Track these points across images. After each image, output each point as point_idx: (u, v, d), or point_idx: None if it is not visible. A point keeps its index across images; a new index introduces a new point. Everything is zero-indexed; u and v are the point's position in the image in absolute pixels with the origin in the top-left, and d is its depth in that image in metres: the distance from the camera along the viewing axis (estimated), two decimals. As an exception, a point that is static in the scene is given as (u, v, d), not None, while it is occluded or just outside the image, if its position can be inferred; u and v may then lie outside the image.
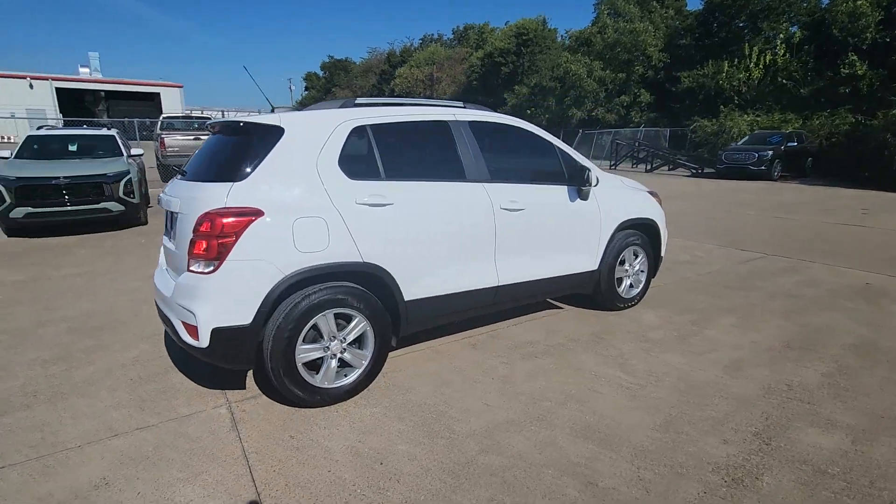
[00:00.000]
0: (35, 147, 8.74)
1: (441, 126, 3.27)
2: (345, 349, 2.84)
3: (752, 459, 2.34)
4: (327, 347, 2.77)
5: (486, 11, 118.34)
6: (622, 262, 4.26)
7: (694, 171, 19.10)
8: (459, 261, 3.22)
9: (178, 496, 2.14)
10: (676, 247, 6.76)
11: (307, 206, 2.64)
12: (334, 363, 2.81)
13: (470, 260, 3.27)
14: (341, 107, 3.01)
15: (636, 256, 4.36)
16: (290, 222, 2.57)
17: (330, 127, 2.83)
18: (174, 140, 13.82)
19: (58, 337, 3.86)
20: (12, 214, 7.31)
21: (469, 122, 3.40)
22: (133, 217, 8.35)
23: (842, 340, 3.69)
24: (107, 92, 41.74)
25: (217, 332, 2.48)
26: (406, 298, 3.00)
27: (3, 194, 7.26)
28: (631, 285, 4.40)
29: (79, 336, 3.87)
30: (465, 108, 3.49)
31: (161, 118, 15.19)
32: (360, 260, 2.77)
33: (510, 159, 3.70)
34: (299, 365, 2.68)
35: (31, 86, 32.40)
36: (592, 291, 4.18)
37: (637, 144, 21.90)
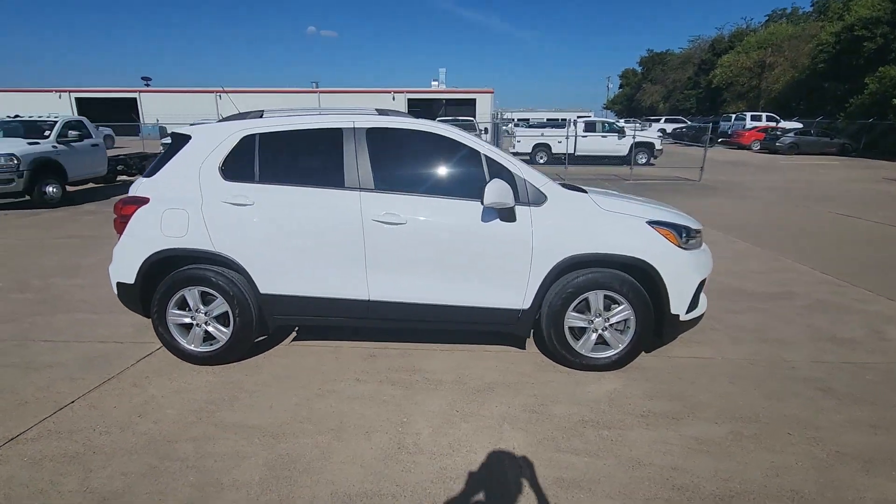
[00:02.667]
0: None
1: (333, 133, 3.33)
2: (208, 322, 3.39)
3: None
4: (194, 317, 3.39)
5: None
6: (585, 309, 3.26)
7: None
8: (321, 266, 3.27)
9: (53, 387, 3.17)
10: (868, 315, 4.32)
11: (178, 199, 3.28)
12: (200, 331, 3.41)
13: (334, 268, 3.27)
14: (251, 118, 3.49)
15: (615, 305, 3.24)
16: (161, 211, 3.27)
17: (222, 136, 3.37)
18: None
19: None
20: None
21: (368, 129, 3.32)
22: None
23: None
24: (447, 100, 51.15)
25: (119, 286, 3.44)
26: (261, 291, 3.31)
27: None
28: (602, 342, 3.31)
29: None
30: (377, 114, 3.41)
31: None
32: (212, 249, 3.25)
33: (413, 169, 3.37)
34: (171, 325, 3.40)
35: (393, 98, 43.11)
36: (534, 337, 3.38)
37: None
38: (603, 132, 20.04)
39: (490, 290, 3.26)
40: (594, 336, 3.30)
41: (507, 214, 3.17)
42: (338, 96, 42.11)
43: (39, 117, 12.45)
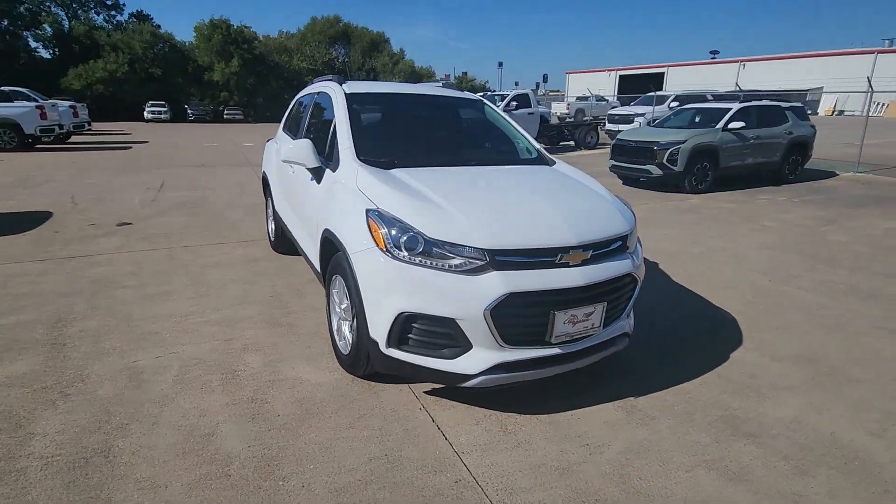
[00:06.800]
0: (672, 117, 10.82)
1: (310, 97, 4.21)
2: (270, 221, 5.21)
3: None
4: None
5: None
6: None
7: None
8: (284, 197, 4.36)
9: (167, 230, 5.91)
10: None
11: (274, 142, 5.09)
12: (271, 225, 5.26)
13: (286, 201, 4.30)
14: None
15: (344, 297, 2.77)
16: (267, 147, 5.20)
17: (295, 99, 4.87)
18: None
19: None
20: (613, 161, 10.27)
21: (317, 93, 4.01)
22: (671, 182, 9.24)
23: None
24: None
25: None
26: (276, 208, 4.77)
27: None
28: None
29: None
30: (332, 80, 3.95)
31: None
32: (267, 174, 4.96)
33: (316, 126, 3.74)
34: (267, 215, 5.42)
35: None
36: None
37: None
38: None
39: (311, 244, 3.45)
40: (345, 327, 2.92)
41: (315, 174, 3.25)
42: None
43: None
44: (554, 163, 3.48)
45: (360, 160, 2.93)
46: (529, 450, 2.29)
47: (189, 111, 38.83)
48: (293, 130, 4.41)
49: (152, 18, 47.97)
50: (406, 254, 2.31)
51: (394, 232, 2.35)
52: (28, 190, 8.50)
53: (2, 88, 17.86)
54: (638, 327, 3.48)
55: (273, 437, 2.33)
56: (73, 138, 19.06)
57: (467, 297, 2.22)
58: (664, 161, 9.11)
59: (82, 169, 11.21)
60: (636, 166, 9.61)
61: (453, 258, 2.27)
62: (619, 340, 2.70)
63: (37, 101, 16.46)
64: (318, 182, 3.22)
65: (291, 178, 3.90)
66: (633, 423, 2.51)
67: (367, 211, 2.50)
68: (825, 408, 2.66)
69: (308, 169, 3.27)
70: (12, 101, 15.47)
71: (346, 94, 3.48)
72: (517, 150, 3.68)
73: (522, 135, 3.78)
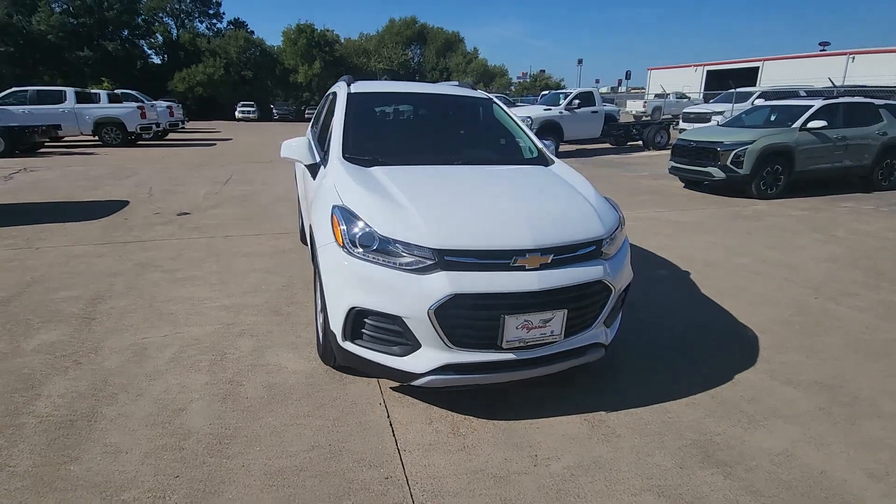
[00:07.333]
0: (744, 116, 9.94)
1: (328, 97, 4.36)
2: (303, 216, 5.48)
3: None
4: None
5: None
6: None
7: None
8: (301, 192, 4.58)
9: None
10: None
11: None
12: (302, 221, 5.54)
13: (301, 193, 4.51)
14: (338, 86, 4.94)
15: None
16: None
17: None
18: None
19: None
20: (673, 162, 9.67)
21: (331, 93, 4.15)
22: (737, 186, 8.55)
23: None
24: None
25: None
26: (299, 202, 5.02)
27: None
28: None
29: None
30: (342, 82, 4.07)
31: None
32: (295, 167, 5.21)
33: (325, 126, 3.85)
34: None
35: None
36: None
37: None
38: None
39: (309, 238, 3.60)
40: (321, 317, 3.01)
41: (311, 171, 3.38)
42: None
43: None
44: (552, 163, 3.36)
45: (345, 158, 3.02)
46: (473, 454, 2.25)
47: (274, 111, 41.57)
48: (314, 127, 4.61)
49: (247, 25, 51.82)
50: (361, 250, 2.35)
51: (351, 228, 2.40)
52: (117, 181, 9.55)
53: (114, 91, 20.23)
54: (635, 339, 3.31)
55: (235, 417, 2.47)
56: (170, 135, 21.11)
57: (413, 296, 2.22)
58: (728, 163, 8.41)
59: (167, 163, 12.38)
60: (697, 168, 8.95)
61: (404, 256, 2.28)
62: (592, 351, 2.56)
63: (141, 102, 18.52)
64: (314, 179, 3.35)
65: (302, 174, 4.09)
66: (595, 438, 2.38)
67: (333, 207, 2.58)
68: (826, 442, 2.36)
69: (305, 166, 3.42)
70: (122, 102, 17.54)
71: (348, 93, 3.59)
72: (518, 149, 3.60)
73: (526, 135, 3.68)
